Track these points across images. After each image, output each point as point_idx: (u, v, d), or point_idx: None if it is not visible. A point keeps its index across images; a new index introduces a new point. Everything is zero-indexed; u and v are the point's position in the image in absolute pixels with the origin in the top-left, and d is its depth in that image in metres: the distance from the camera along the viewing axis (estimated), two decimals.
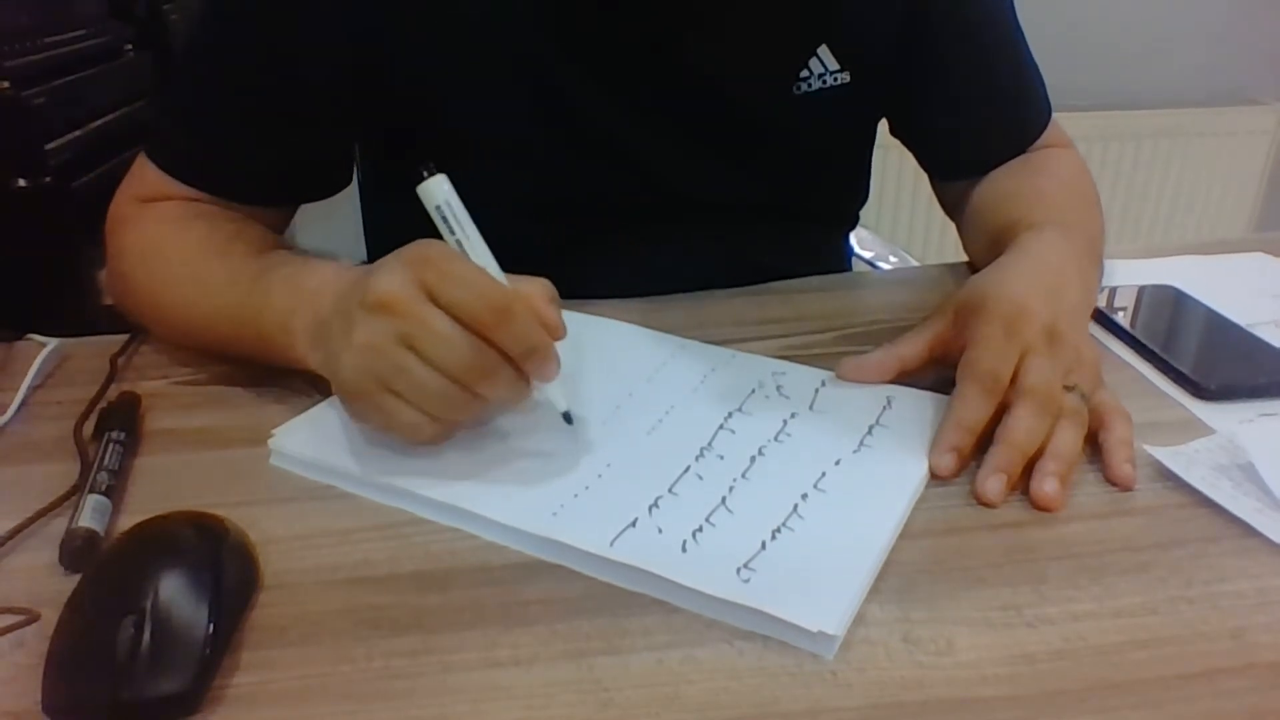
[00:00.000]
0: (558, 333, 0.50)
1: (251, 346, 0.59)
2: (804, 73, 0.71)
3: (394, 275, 0.47)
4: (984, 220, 0.74)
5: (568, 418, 0.52)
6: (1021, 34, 0.77)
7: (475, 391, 0.48)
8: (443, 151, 0.70)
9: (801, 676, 0.39)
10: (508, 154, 0.70)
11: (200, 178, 0.68)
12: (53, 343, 0.64)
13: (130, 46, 1.50)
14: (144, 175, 0.69)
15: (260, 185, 0.70)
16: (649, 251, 0.74)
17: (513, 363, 0.48)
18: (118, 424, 0.54)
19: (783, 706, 0.38)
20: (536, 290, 0.51)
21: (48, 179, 1.22)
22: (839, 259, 0.92)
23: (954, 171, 0.81)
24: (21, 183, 1.21)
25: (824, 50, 0.71)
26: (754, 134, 0.73)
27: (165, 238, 0.66)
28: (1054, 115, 0.80)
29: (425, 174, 0.50)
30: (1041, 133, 0.79)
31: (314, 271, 0.57)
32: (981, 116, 0.78)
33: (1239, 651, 0.40)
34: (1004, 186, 0.76)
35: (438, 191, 0.50)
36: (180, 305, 0.64)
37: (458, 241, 0.50)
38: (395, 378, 0.47)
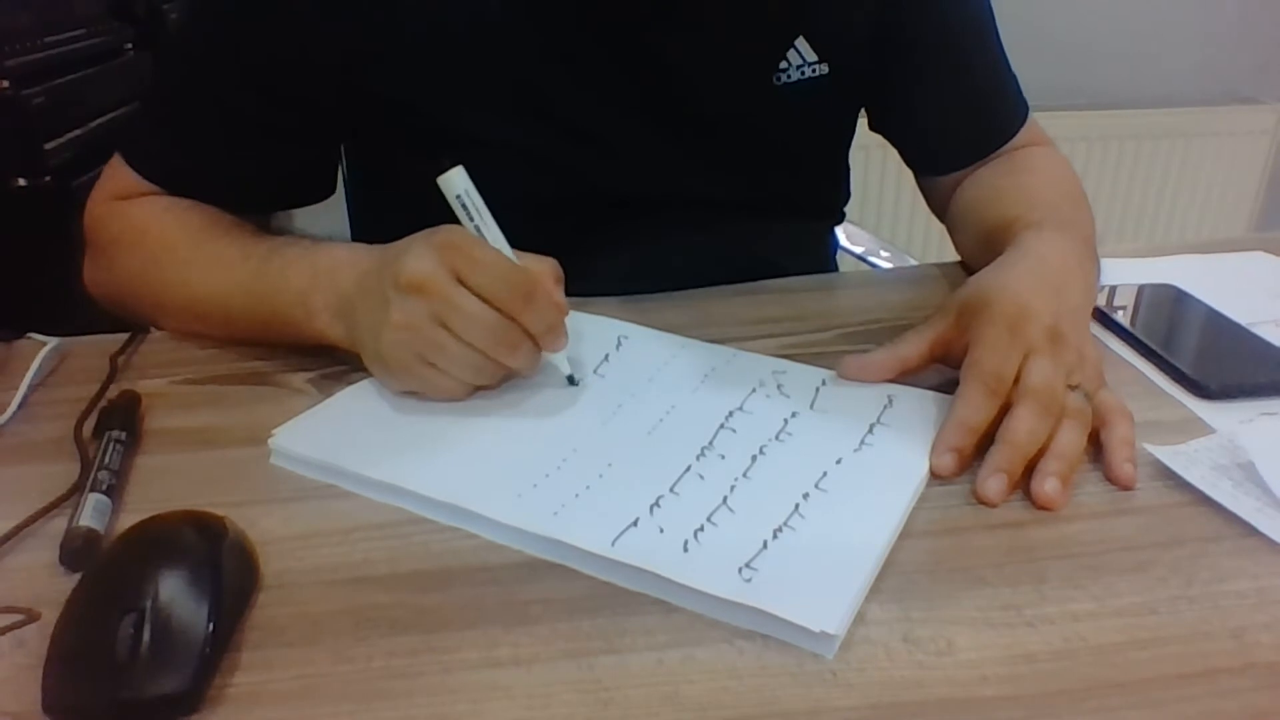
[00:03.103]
0: (565, 311, 0.56)
1: (264, 321, 0.62)
2: (783, 64, 0.72)
3: (425, 259, 0.52)
4: (975, 220, 0.75)
5: (572, 380, 0.58)
6: (997, 33, 0.78)
7: (500, 362, 0.54)
8: (430, 150, 0.71)
9: (802, 676, 0.39)
10: (491, 152, 0.70)
11: (176, 183, 0.69)
12: (53, 342, 0.64)
13: (130, 46, 1.50)
14: (120, 174, 0.69)
15: (239, 194, 0.70)
16: (634, 247, 0.74)
17: (530, 337, 0.54)
18: (118, 423, 0.54)
19: (783, 706, 0.38)
20: (546, 270, 0.56)
21: (48, 179, 1.22)
22: (824, 253, 0.92)
23: (934, 166, 0.82)
24: (21, 183, 1.21)
25: (801, 42, 0.71)
26: (736, 127, 0.74)
27: (161, 223, 0.67)
28: (1045, 114, 0.80)
29: (446, 166, 0.55)
30: (1019, 129, 0.79)
31: (327, 251, 0.60)
32: (958, 112, 0.78)
33: (1239, 651, 0.40)
34: (993, 185, 0.76)
35: (458, 182, 0.55)
36: (185, 283, 0.65)
37: (476, 227, 0.55)
38: (431, 352, 0.53)
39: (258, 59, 0.66)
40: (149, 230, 0.68)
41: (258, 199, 0.72)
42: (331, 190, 0.76)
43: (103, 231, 0.70)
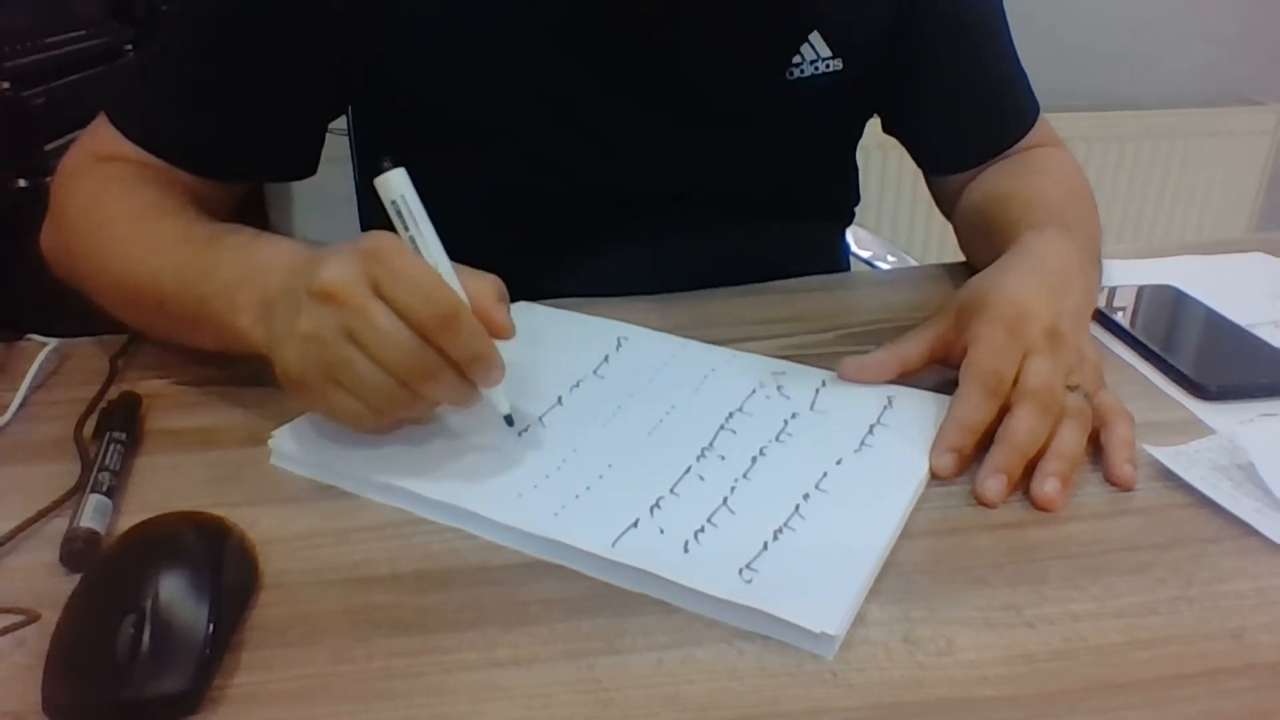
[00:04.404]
0: (505, 333, 0.49)
1: (191, 311, 0.56)
2: (796, 59, 0.71)
3: (343, 265, 0.47)
4: (981, 219, 0.75)
5: (509, 420, 0.52)
6: (1009, 33, 0.78)
7: (416, 391, 0.48)
8: (434, 144, 0.71)
9: (801, 676, 0.39)
10: (500, 150, 0.70)
11: (159, 144, 0.66)
12: (53, 343, 0.64)
13: (130, 46, 1.49)
14: (101, 133, 0.68)
15: (220, 160, 0.68)
16: (643, 247, 0.74)
17: (457, 366, 0.48)
18: (118, 424, 0.54)
19: (783, 706, 0.38)
20: (485, 289, 0.50)
21: (48, 179, 1.22)
22: (835, 255, 0.92)
23: (943, 166, 0.82)
24: (21, 183, 1.21)
25: (815, 37, 0.71)
26: (746, 123, 0.74)
27: (115, 194, 0.64)
28: (1045, 115, 0.80)
29: (385, 167, 0.49)
30: (1029, 130, 0.79)
31: (267, 243, 0.56)
32: (970, 111, 0.78)
33: (1239, 651, 0.40)
34: (1000, 186, 0.76)
35: (394, 186, 0.49)
36: (123, 260, 0.61)
37: (411, 238, 0.49)
38: (338, 369, 0.47)
39: (255, 51, 0.65)
40: (99, 198, 0.65)
41: (237, 167, 0.70)
42: (313, 169, 0.73)
43: (60, 190, 0.67)
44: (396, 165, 0.49)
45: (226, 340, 0.55)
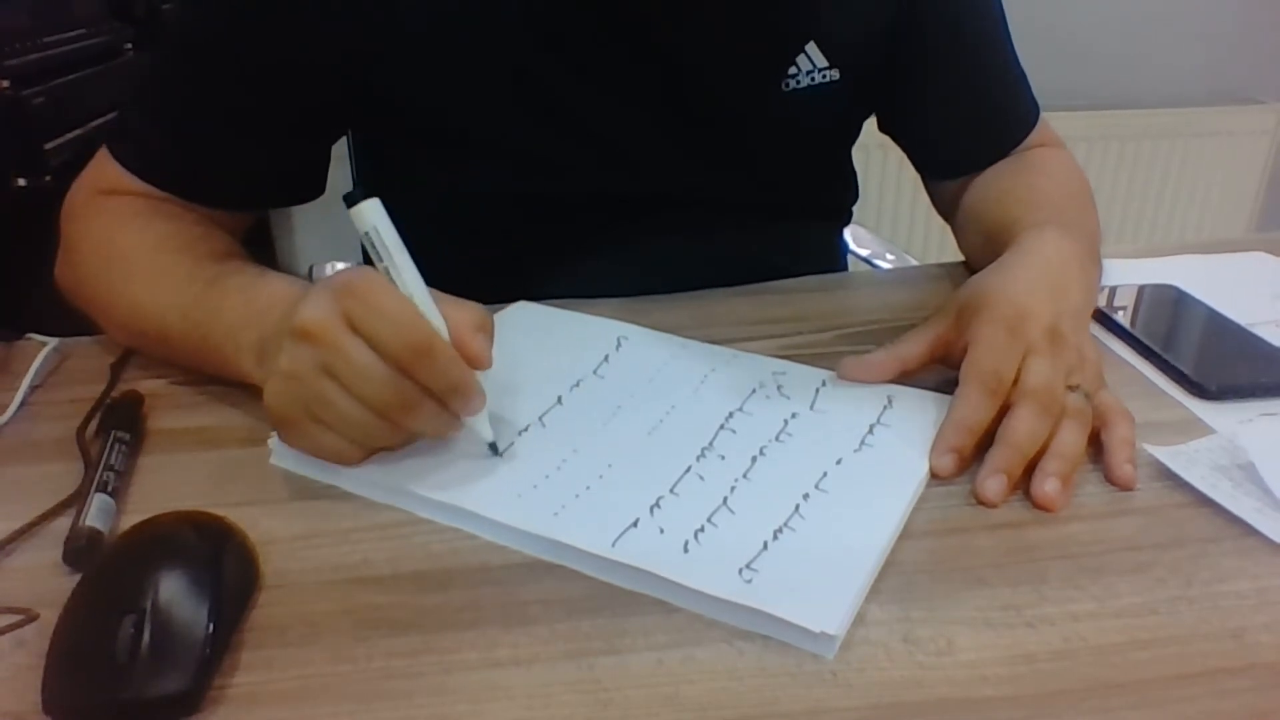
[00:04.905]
0: (481, 364, 0.49)
1: (196, 349, 0.58)
2: (792, 69, 0.71)
3: (319, 303, 0.47)
4: (980, 219, 0.74)
5: (493, 448, 0.51)
6: (1008, 34, 0.78)
7: (396, 423, 0.48)
8: (434, 150, 0.71)
9: (801, 676, 0.39)
10: (500, 153, 0.70)
11: (164, 178, 0.67)
12: (53, 343, 0.64)
13: (130, 46, 1.50)
14: (105, 168, 0.68)
15: (227, 190, 0.68)
16: (642, 249, 0.74)
17: (436, 397, 0.48)
18: (122, 423, 0.54)
19: (783, 706, 0.38)
20: (464, 318, 0.49)
21: (48, 179, 1.22)
22: (833, 255, 0.92)
23: (944, 170, 0.82)
24: (21, 183, 1.21)
25: (812, 47, 0.71)
26: (743, 128, 0.73)
27: (123, 230, 0.65)
28: (1044, 114, 0.80)
29: (358, 197, 0.49)
30: (1030, 132, 0.79)
31: (267, 285, 0.57)
32: (970, 116, 0.78)
33: (1239, 651, 0.40)
34: (999, 185, 0.76)
35: (367, 217, 0.49)
36: (131, 298, 0.62)
37: (385, 269, 0.49)
38: (318, 406, 0.48)
39: (256, 58, 0.65)
40: (111, 234, 0.65)
41: (245, 196, 0.71)
42: (321, 190, 0.74)
43: (71, 226, 0.68)
44: (369, 196, 0.49)
45: (233, 377, 0.57)
